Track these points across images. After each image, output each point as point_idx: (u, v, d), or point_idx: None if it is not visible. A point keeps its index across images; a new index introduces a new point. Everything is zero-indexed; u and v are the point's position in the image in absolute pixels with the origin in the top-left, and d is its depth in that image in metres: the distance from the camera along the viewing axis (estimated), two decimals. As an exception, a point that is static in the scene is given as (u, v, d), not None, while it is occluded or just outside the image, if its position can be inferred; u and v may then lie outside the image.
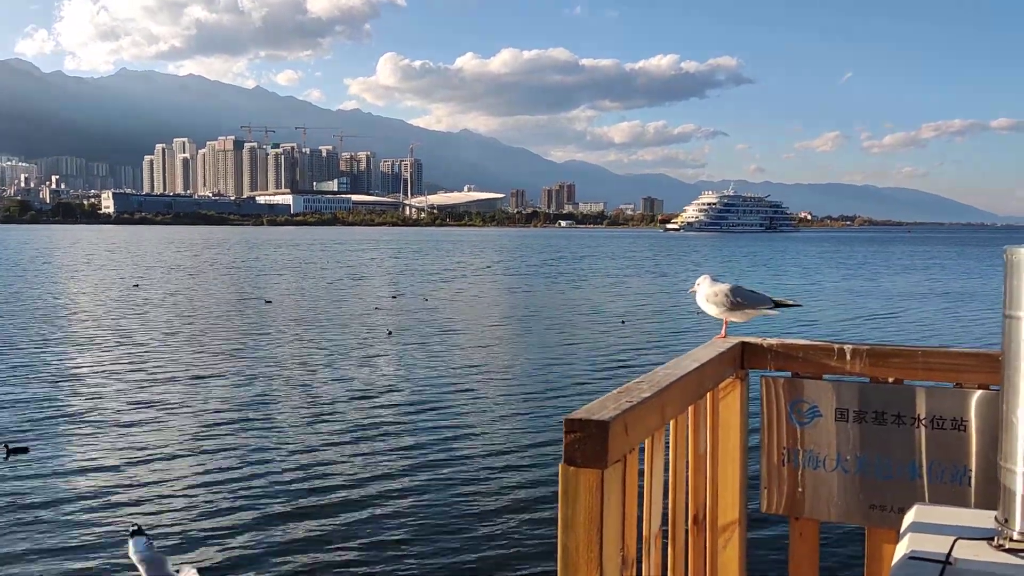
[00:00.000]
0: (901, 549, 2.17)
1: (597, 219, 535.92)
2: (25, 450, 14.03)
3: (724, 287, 3.86)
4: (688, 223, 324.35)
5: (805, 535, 3.63)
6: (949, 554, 2.05)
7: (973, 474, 3.28)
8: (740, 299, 3.82)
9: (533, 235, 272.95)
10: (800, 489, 3.58)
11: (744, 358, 3.62)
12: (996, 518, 2.15)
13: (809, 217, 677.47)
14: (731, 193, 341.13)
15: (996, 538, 2.14)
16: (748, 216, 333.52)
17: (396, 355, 24.81)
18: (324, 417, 16.78)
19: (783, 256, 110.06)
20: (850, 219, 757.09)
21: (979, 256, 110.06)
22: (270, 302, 40.74)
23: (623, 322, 33.45)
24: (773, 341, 3.61)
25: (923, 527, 2.21)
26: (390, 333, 29.70)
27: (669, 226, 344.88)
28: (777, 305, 3.90)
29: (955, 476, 3.30)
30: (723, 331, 3.78)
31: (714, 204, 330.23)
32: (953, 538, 2.12)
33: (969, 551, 2.08)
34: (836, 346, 3.50)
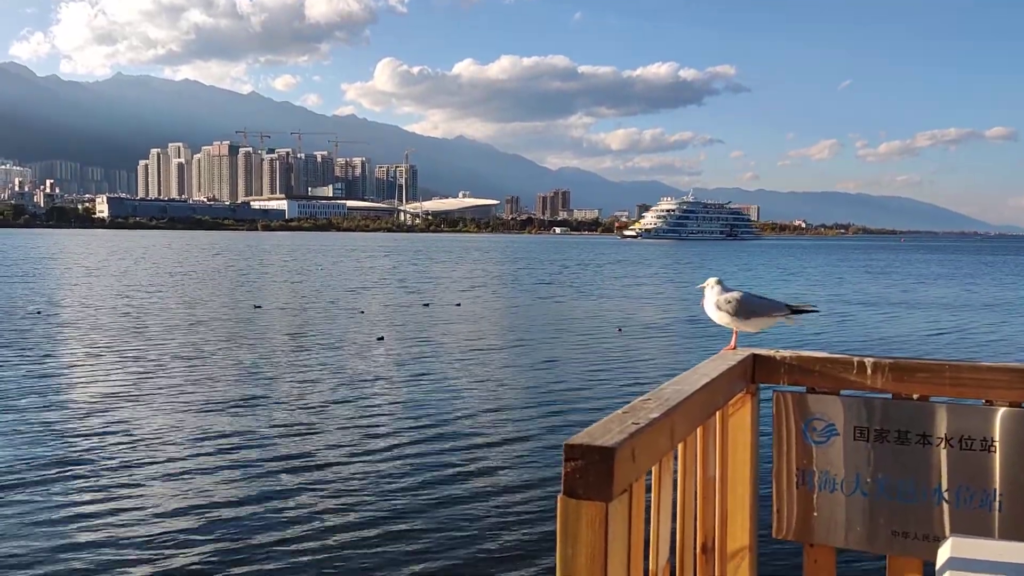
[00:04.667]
0: None
1: (591, 226, 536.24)
2: None
3: (735, 294, 3.66)
4: (646, 230, 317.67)
5: (820, 563, 3.44)
6: None
7: (1001, 498, 3.13)
8: (752, 307, 3.64)
9: (522, 241, 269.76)
10: (815, 513, 3.38)
11: (756, 371, 3.42)
12: None
13: (804, 225, 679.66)
14: (691, 199, 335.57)
15: None
16: (708, 223, 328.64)
17: (388, 367, 23.96)
18: (304, 435, 15.89)
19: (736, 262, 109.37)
20: (844, 227, 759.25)
21: (997, 264, 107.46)
22: (259, 307, 39.96)
23: (620, 329, 32.70)
24: (787, 353, 3.42)
25: (963, 564, 2.10)
26: (381, 338, 28.94)
27: (627, 233, 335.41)
28: (794, 312, 3.68)
29: (984, 501, 3.15)
30: (733, 342, 3.59)
31: (673, 211, 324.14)
32: None
33: None
34: (856, 359, 3.32)
